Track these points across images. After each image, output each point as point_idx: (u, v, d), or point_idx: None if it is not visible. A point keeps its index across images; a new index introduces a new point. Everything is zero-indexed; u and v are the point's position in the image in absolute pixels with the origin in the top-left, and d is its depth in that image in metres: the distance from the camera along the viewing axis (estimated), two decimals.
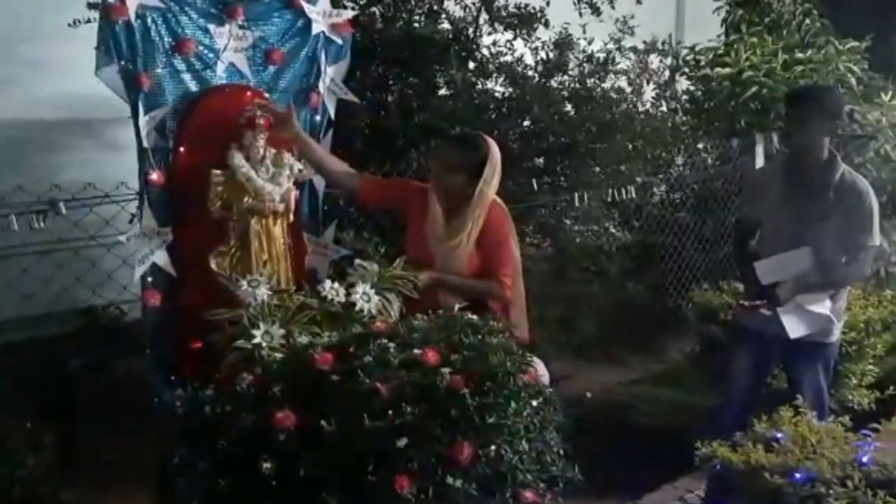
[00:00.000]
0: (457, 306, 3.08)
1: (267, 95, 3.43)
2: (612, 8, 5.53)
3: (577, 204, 5.05)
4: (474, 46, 5.31)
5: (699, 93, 6.86)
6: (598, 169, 5.48)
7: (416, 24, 5.19)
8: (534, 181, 4.99)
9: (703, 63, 6.73)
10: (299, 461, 2.61)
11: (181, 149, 3.25)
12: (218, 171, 3.21)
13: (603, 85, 5.57)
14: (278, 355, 2.86)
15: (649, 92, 6.59)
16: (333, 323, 3.03)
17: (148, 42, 3.16)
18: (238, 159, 3.20)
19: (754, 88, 6.15)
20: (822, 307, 3.74)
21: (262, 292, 3.01)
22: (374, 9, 5.12)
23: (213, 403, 2.78)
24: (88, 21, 3.89)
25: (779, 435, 2.95)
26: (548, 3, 5.35)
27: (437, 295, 3.44)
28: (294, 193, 3.39)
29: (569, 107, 5.42)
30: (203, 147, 3.26)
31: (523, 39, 5.31)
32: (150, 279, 3.27)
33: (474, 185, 3.42)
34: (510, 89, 5.29)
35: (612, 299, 5.85)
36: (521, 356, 2.77)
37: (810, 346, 3.79)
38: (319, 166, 3.56)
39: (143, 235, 3.21)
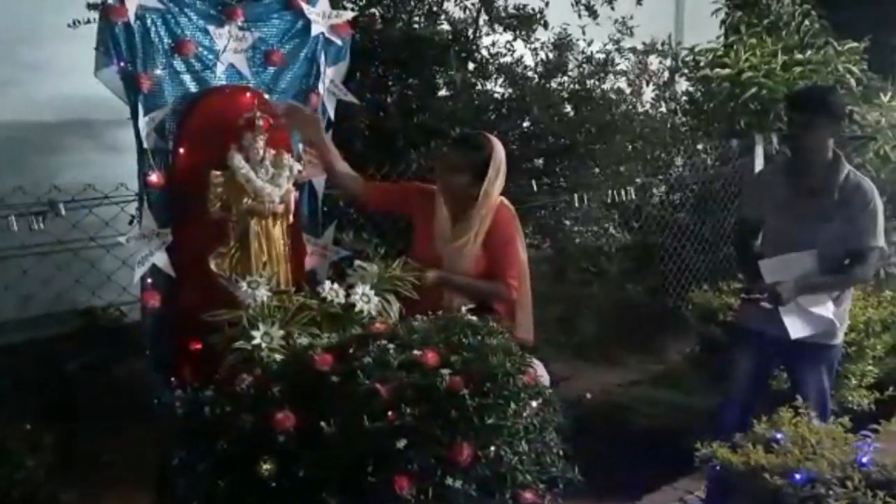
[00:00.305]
0: (463, 308, 3.09)
1: (266, 96, 3.43)
2: (612, 9, 5.54)
3: (576, 205, 5.05)
4: (474, 47, 5.31)
5: (698, 94, 6.87)
6: (597, 170, 5.48)
7: (416, 25, 5.19)
8: (533, 182, 4.99)
9: (702, 64, 6.73)
10: (299, 462, 2.61)
11: (181, 150, 3.25)
12: (217, 173, 3.21)
13: (602, 86, 5.58)
14: (278, 356, 2.85)
15: (649, 93, 6.60)
16: (333, 324, 3.03)
17: (147, 43, 3.16)
18: (238, 160, 3.20)
19: (753, 89, 6.16)
20: (825, 310, 3.74)
21: (262, 293, 3.01)
22: (373, 10, 5.12)
23: (213, 404, 2.78)
24: (88, 22, 3.89)
25: (779, 436, 2.95)
26: (547, 4, 5.35)
27: (442, 295, 3.45)
28: (294, 195, 3.38)
29: (568, 108, 5.42)
30: (203, 148, 3.26)
31: (523, 40, 5.32)
32: (149, 280, 3.27)
33: (479, 185, 3.43)
34: (510, 90, 5.29)
35: (612, 300, 5.86)
36: (521, 357, 2.77)
37: (814, 348, 3.78)
38: (331, 170, 3.58)
39: (142, 236, 3.20)
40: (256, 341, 2.85)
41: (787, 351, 3.84)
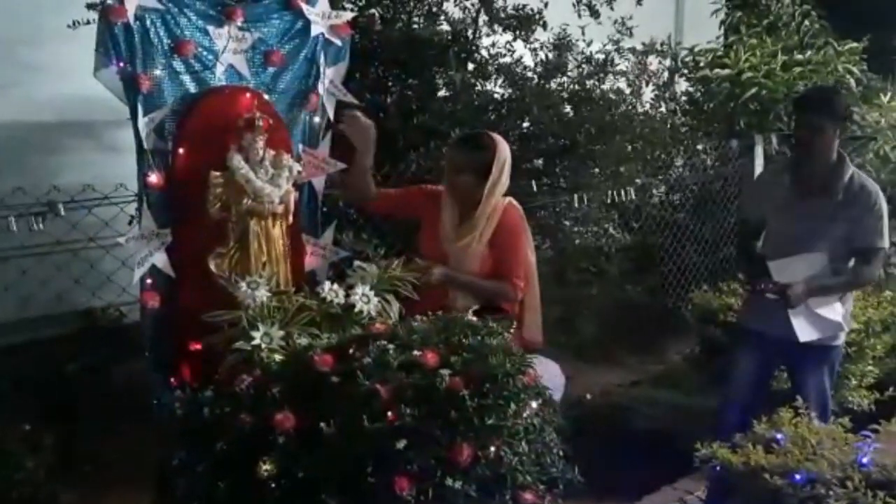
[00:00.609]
0: (471, 310, 3.09)
1: (266, 97, 3.43)
2: (611, 9, 5.54)
3: (576, 205, 5.05)
4: (473, 48, 5.31)
5: (698, 94, 6.87)
6: (597, 170, 5.48)
7: (416, 26, 5.19)
8: (533, 182, 4.99)
9: (702, 64, 6.73)
10: (299, 463, 2.61)
11: (180, 150, 3.25)
12: (217, 173, 3.21)
13: (602, 86, 5.58)
14: (277, 357, 2.85)
15: (648, 93, 6.59)
16: (333, 324, 3.02)
17: (147, 43, 3.16)
18: (237, 161, 3.20)
19: (753, 90, 6.15)
20: (833, 312, 3.74)
21: (262, 294, 3.01)
22: (373, 10, 5.11)
23: (213, 405, 2.78)
24: (87, 23, 3.89)
25: (779, 436, 2.95)
26: (546, 5, 5.35)
27: (447, 295, 3.46)
28: (293, 195, 3.38)
29: (568, 108, 5.42)
30: (202, 149, 3.26)
31: (522, 41, 5.32)
32: (149, 281, 3.26)
33: (484, 184, 3.45)
34: (509, 91, 5.29)
35: (612, 300, 5.86)
36: (521, 357, 2.77)
37: (816, 349, 3.78)
38: (361, 178, 3.61)
39: (142, 237, 3.20)
40: (256, 342, 2.85)
41: (789, 351, 3.84)
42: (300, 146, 3.60)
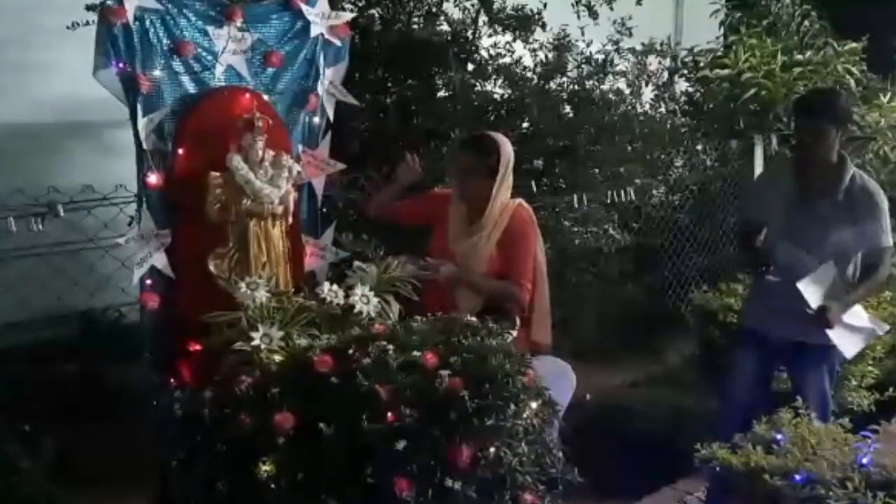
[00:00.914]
0: (473, 311, 3.09)
1: (265, 97, 3.43)
2: (611, 9, 5.54)
3: (576, 205, 5.05)
4: (473, 48, 5.31)
5: (698, 94, 6.86)
6: (597, 170, 5.48)
7: (415, 26, 5.20)
8: (533, 183, 4.99)
9: (701, 64, 6.72)
10: (298, 463, 2.61)
11: (180, 151, 3.24)
12: (216, 174, 3.21)
13: (601, 87, 5.58)
14: (277, 357, 2.85)
15: (648, 93, 6.59)
16: (332, 325, 3.02)
17: (146, 44, 3.15)
18: (237, 161, 3.19)
19: (753, 90, 6.14)
20: (861, 319, 3.81)
21: (261, 294, 3.01)
22: (372, 11, 5.12)
23: (212, 405, 2.78)
24: (87, 23, 3.89)
25: (779, 436, 2.94)
26: (545, 5, 5.35)
27: (454, 296, 3.47)
28: (293, 195, 3.38)
29: (567, 108, 5.42)
30: (202, 149, 3.25)
31: (522, 41, 5.31)
32: (148, 281, 3.26)
33: (491, 184, 3.47)
34: (509, 91, 5.29)
35: (612, 301, 5.85)
36: (521, 358, 2.77)
37: (816, 349, 3.79)
38: (391, 200, 3.79)
39: (141, 238, 3.20)
40: (255, 342, 2.85)
41: (789, 352, 3.85)
42: (300, 147, 3.60)
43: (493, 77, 5.29)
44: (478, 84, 5.27)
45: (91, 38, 3.14)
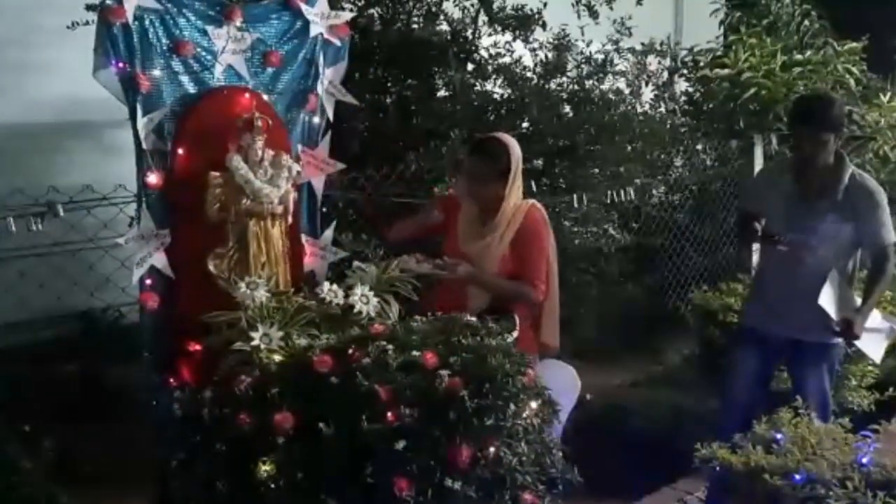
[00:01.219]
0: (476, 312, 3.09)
1: (265, 97, 3.43)
2: (611, 9, 5.54)
3: (575, 205, 5.04)
4: (473, 48, 5.31)
5: (698, 94, 6.86)
6: (596, 170, 5.48)
7: (415, 26, 5.19)
8: (532, 183, 4.98)
9: (701, 64, 6.72)
10: (298, 463, 2.61)
11: (179, 151, 3.24)
12: (216, 174, 3.21)
13: (601, 86, 5.58)
14: (277, 357, 2.85)
15: (648, 93, 6.59)
16: (332, 325, 3.02)
17: (146, 44, 3.15)
18: (236, 161, 3.19)
19: (753, 89, 6.14)
20: (878, 320, 3.83)
21: (261, 294, 3.00)
22: (372, 10, 5.12)
23: (212, 405, 2.78)
24: (87, 23, 3.89)
25: (779, 436, 2.94)
26: (545, 5, 5.35)
27: (466, 295, 3.48)
28: (293, 195, 3.38)
29: (567, 108, 5.42)
30: (201, 149, 3.25)
31: (522, 41, 5.31)
32: (148, 281, 3.26)
33: (503, 186, 3.48)
34: (509, 91, 5.29)
35: (612, 301, 5.85)
36: (521, 358, 2.77)
37: (816, 348, 3.80)
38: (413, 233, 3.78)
39: (141, 238, 3.20)
40: (255, 342, 2.85)
41: (789, 350, 3.86)
42: (299, 146, 3.60)
43: (493, 77, 5.29)
44: (478, 84, 5.27)
45: (91, 38, 3.14)
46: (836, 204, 3.72)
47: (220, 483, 2.73)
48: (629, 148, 5.64)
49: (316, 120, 3.67)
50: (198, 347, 3.13)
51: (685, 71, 6.95)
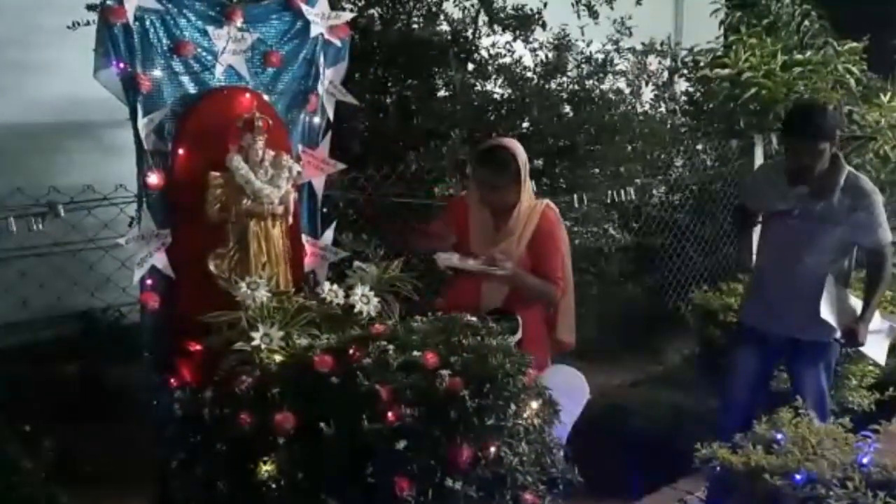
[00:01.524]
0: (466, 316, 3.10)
1: (265, 97, 3.43)
2: (611, 9, 5.53)
3: (576, 205, 5.04)
4: (473, 48, 5.31)
5: (698, 94, 6.86)
6: (597, 170, 5.48)
7: (415, 26, 5.19)
8: (533, 183, 4.98)
9: (701, 64, 6.72)
10: (298, 463, 2.61)
11: (180, 151, 3.24)
12: (216, 174, 3.21)
13: (601, 86, 5.57)
14: (277, 357, 2.85)
15: (648, 93, 6.59)
16: (333, 325, 3.02)
17: (146, 44, 3.15)
18: (237, 161, 3.19)
19: (753, 90, 6.14)
20: (878, 323, 3.88)
21: (261, 294, 3.00)
22: (372, 11, 5.11)
23: (212, 406, 2.78)
24: (87, 23, 3.89)
25: (779, 436, 2.95)
26: (545, 5, 5.35)
27: (479, 295, 3.49)
28: (293, 196, 3.38)
29: (567, 108, 5.42)
30: (202, 149, 3.25)
31: (522, 41, 5.31)
32: (148, 281, 3.26)
33: (516, 191, 3.50)
34: (509, 91, 5.29)
35: (612, 301, 5.85)
36: (521, 357, 2.77)
37: (812, 346, 3.83)
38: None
39: (141, 238, 3.20)
40: (256, 342, 2.85)
41: (786, 348, 3.89)
42: (300, 147, 3.60)
43: (493, 77, 5.29)
44: (478, 84, 5.27)
45: (91, 38, 3.14)
46: (833, 205, 3.74)
47: (220, 483, 2.73)
48: (629, 148, 5.64)
49: (316, 120, 3.67)
50: (198, 347, 3.13)
51: (685, 71, 6.95)
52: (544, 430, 2.79)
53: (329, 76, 3.68)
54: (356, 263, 3.36)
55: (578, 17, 5.45)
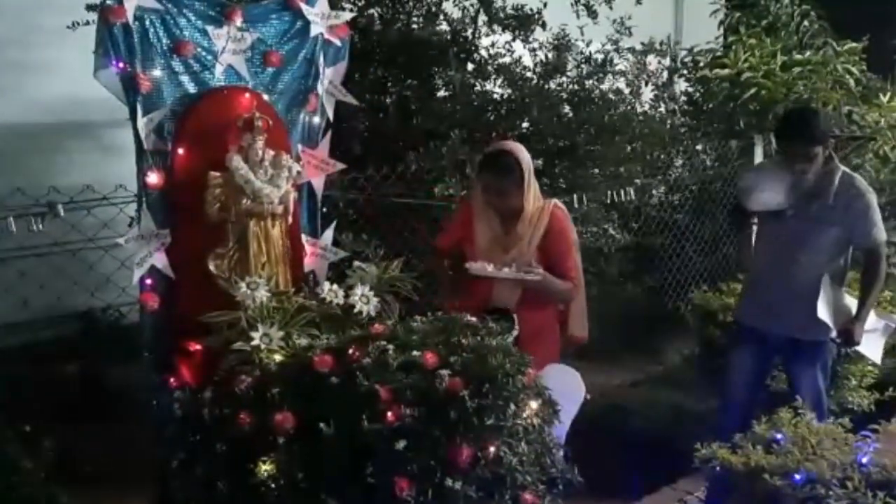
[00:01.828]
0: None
1: (265, 97, 3.43)
2: (610, 9, 5.54)
3: (575, 205, 5.05)
4: (472, 48, 5.31)
5: (698, 94, 6.86)
6: (596, 170, 5.48)
7: (415, 26, 5.19)
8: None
9: (701, 64, 6.73)
10: (298, 463, 2.61)
11: (179, 151, 3.24)
12: (216, 174, 3.21)
13: (601, 86, 5.58)
14: (277, 357, 2.85)
15: (648, 93, 6.59)
16: (332, 325, 3.02)
17: (146, 44, 3.15)
18: (237, 161, 3.19)
19: (753, 90, 6.15)
20: (873, 321, 3.89)
21: (261, 294, 3.00)
22: (372, 11, 5.12)
23: (212, 406, 2.78)
24: (87, 23, 3.89)
25: (778, 436, 2.94)
26: (545, 5, 5.35)
27: (490, 296, 3.49)
28: (293, 195, 3.38)
29: (567, 108, 5.42)
30: (201, 149, 3.25)
31: (521, 41, 5.31)
32: (148, 281, 3.26)
33: (521, 195, 3.49)
34: (509, 91, 5.29)
35: (611, 301, 5.85)
36: (521, 357, 2.77)
37: (808, 345, 3.83)
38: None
39: (141, 238, 3.20)
40: (255, 342, 2.85)
41: (783, 347, 3.90)
42: (299, 146, 3.60)
43: (493, 77, 5.29)
44: (478, 84, 5.27)
45: (91, 38, 3.15)
46: (828, 205, 3.76)
47: (220, 483, 2.73)
48: (629, 148, 5.65)
49: (316, 120, 3.67)
50: (198, 347, 3.13)
51: (685, 71, 6.95)
52: (544, 430, 2.79)
53: (329, 76, 3.68)
54: (356, 263, 3.36)
55: (578, 17, 5.45)
